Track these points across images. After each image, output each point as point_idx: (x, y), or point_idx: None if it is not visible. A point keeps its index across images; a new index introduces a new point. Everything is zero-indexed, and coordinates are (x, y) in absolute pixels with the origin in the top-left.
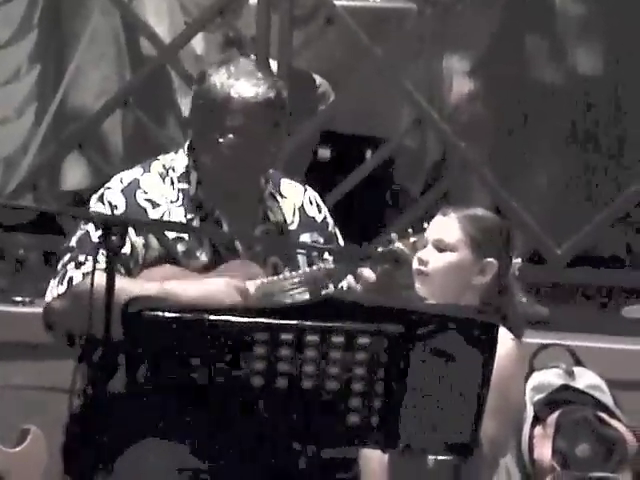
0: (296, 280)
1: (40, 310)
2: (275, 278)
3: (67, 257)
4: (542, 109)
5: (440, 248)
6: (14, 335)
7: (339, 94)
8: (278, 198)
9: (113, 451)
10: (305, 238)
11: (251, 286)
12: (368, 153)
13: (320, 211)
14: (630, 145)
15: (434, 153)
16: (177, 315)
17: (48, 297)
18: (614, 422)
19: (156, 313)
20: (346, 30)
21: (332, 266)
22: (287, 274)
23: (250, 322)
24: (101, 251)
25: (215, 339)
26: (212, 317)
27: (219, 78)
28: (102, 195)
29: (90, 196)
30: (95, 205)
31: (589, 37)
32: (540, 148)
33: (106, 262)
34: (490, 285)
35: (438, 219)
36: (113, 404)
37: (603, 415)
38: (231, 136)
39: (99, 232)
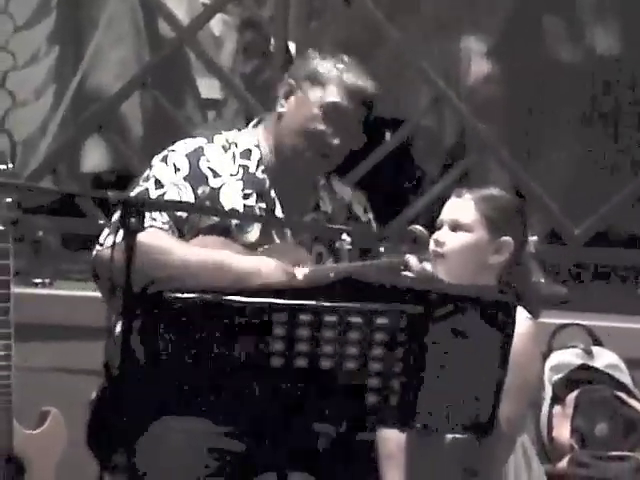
0: (341, 271)
1: (59, 292)
2: (322, 267)
3: None
4: (560, 89)
5: (455, 229)
6: (33, 317)
7: None
8: (330, 191)
9: (135, 429)
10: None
11: (298, 272)
12: (387, 134)
13: (366, 212)
14: None
15: (452, 134)
16: (196, 296)
17: (99, 246)
18: (633, 401)
19: (176, 294)
20: (364, 11)
21: (377, 262)
22: (333, 265)
23: (269, 303)
24: (159, 214)
25: (234, 320)
26: (231, 298)
27: (321, 62)
28: (166, 157)
29: (119, 178)
30: (158, 166)
31: (607, 16)
32: (558, 128)
33: (125, 242)
34: (506, 264)
35: (453, 200)
36: (136, 380)
37: (622, 394)
38: (321, 114)
39: (117, 213)
